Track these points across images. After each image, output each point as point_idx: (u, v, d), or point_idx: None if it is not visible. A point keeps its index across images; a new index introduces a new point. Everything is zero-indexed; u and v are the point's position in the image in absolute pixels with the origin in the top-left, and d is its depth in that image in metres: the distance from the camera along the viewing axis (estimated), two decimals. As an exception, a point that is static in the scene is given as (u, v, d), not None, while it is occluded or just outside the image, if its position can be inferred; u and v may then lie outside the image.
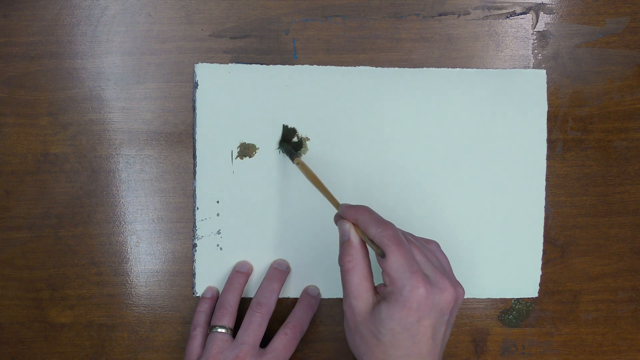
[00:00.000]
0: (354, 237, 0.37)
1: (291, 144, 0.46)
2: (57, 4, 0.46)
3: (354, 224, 0.37)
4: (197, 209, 0.47)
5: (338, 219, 0.39)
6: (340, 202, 0.40)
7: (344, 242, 0.37)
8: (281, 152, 0.46)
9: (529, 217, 0.47)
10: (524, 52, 0.47)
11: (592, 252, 0.48)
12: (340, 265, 0.37)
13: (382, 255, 0.35)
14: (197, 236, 0.47)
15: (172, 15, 0.46)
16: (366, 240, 0.36)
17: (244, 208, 0.47)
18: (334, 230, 0.47)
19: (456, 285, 0.36)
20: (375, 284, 0.37)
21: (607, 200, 0.48)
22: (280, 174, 0.47)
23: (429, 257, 0.37)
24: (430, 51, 0.47)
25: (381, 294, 0.36)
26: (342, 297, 0.47)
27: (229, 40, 0.46)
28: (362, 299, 0.36)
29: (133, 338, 0.47)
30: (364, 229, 0.37)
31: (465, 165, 0.47)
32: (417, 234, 0.47)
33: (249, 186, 0.46)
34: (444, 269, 0.37)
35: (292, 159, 0.44)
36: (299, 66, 0.46)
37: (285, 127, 0.46)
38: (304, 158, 0.46)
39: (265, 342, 0.44)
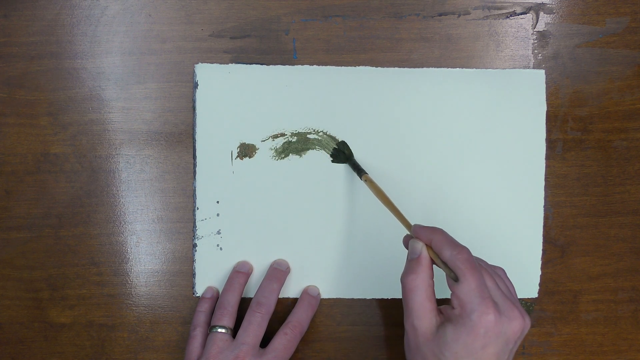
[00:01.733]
0: (425, 257, 0.37)
1: (353, 158, 0.46)
2: (57, 4, 0.46)
3: (426, 244, 0.37)
4: (197, 209, 0.47)
5: (408, 239, 0.39)
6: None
7: (413, 260, 0.37)
8: (349, 167, 0.46)
9: (528, 217, 0.48)
10: (524, 52, 0.47)
11: (592, 252, 0.48)
12: (403, 282, 0.37)
13: (455, 279, 0.35)
14: (197, 236, 0.47)
15: (172, 15, 0.46)
16: (438, 261, 0.36)
17: (244, 208, 0.47)
18: (334, 231, 0.47)
19: (524, 315, 0.36)
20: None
21: (607, 200, 0.48)
22: (280, 174, 0.47)
23: (499, 285, 0.37)
24: (430, 51, 0.47)
25: (446, 316, 0.36)
26: (341, 297, 0.47)
27: (229, 40, 0.46)
28: (425, 319, 0.36)
29: (133, 338, 0.47)
30: (438, 250, 0.36)
31: (464, 165, 0.47)
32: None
33: (249, 186, 0.46)
34: (513, 298, 0.37)
35: (360, 175, 0.44)
36: (299, 66, 0.46)
37: (341, 143, 0.46)
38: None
39: (265, 342, 0.44)
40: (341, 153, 0.46)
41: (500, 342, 0.34)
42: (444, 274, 0.36)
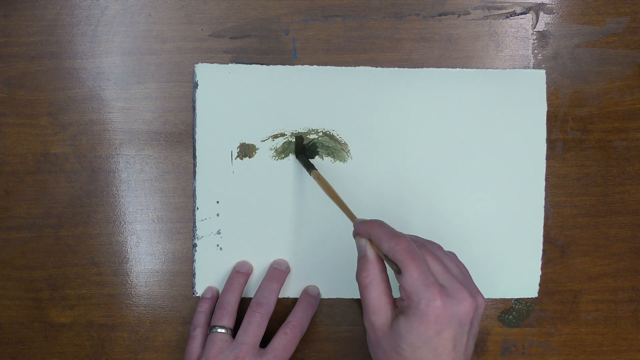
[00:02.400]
0: (370, 253, 0.37)
1: (305, 153, 0.46)
2: (57, 4, 0.46)
3: (369, 239, 0.37)
4: (197, 209, 0.47)
5: (355, 234, 0.38)
6: (351, 207, 0.39)
7: (361, 258, 0.37)
8: (298, 162, 0.46)
9: (528, 217, 0.47)
10: (524, 52, 0.47)
11: (592, 252, 0.48)
12: (357, 281, 0.37)
13: (397, 271, 0.35)
14: (197, 236, 0.47)
15: (172, 15, 0.46)
16: (382, 255, 0.36)
17: (244, 208, 0.47)
18: (334, 231, 0.47)
19: (475, 294, 0.35)
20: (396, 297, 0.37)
21: (607, 200, 0.48)
22: (280, 174, 0.46)
23: (447, 267, 0.36)
24: (430, 51, 0.47)
25: (400, 308, 0.36)
26: (341, 297, 0.47)
27: (229, 40, 0.46)
28: (381, 314, 0.36)
29: (133, 338, 0.47)
30: (377, 245, 0.36)
31: (464, 165, 0.47)
32: (415, 234, 0.47)
33: (249, 186, 0.46)
34: (463, 279, 0.36)
35: (309, 171, 0.44)
36: (299, 66, 0.46)
37: (298, 138, 0.46)
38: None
39: (265, 342, 0.44)
40: (295, 147, 0.46)
41: (453, 325, 0.34)
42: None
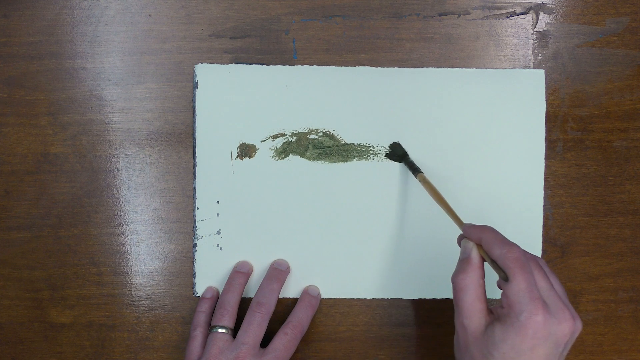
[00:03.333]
0: (475, 256, 0.37)
1: (409, 156, 0.46)
2: (57, 4, 0.46)
3: (477, 244, 0.37)
4: (197, 209, 0.47)
5: (461, 238, 0.38)
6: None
7: (463, 260, 0.37)
8: (404, 165, 0.46)
9: (528, 217, 0.47)
10: (524, 52, 0.47)
11: (592, 252, 0.48)
12: (453, 282, 0.37)
13: (505, 278, 0.35)
14: (197, 236, 0.47)
15: (172, 15, 0.46)
16: (488, 260, 0.36)
17: (244, 208, 0.47)
18: (334, 231, 0.47)
19: (575, 317, 0.35)
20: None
21: (607, 200, 0.48)
22: (280, 174, 0.47)
23: (552, 284, 0.36)
24: (430, 51, 0.47)
25: (496, 315, 0.35)
26: (341, 297, 0.47)
27: (229, 40, 0.46)
28: (475, 318, 0.36)
29: (133, 338, 0.47)
30: (487, 249, 0.36)
31: (464, 164, 0.47)
32: (415, 234, 0.47)
33: (249, 186, 0.46)
34: (565, 299, 0.36)
35: (415, 174, 0.44)
36: (299, 66, 0.46)
37: (396, 143, 0.46)
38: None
39: (265, 342, 0.44)
40: (394, 155, 0.46)
41: (549, 344, 0.34)
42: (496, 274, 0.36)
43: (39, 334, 0.47)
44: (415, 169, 0.45)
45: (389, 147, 0.46)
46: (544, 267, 0.37)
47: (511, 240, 0.36)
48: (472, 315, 0.36)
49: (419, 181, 0.44)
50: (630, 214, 0.48)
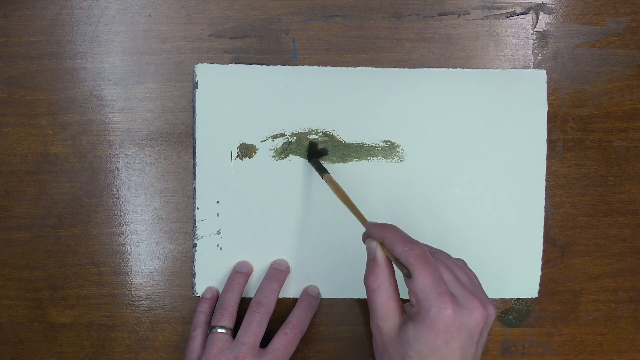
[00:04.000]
0: (380, 256, 0.36)
1: (319, 157, 0.46)
2: (57, 4, 0.46)
3: (380, 242, 0.36)
4: (197, 209, 0.47)
5: (366, 237, 0.38)
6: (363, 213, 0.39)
7: (370, 261, 0.37)
8: (311, 166, 0.46)
9: (529, 217, 0.47)
10: (524, 52, 0.47)
11: (592, 252, 0.48)
12: (365, 284, 0.36)
13: (408, 275, 0.34)
14: (197, 236, 0.47)
15: (172, 15, 0.46)
16: (392, 259, 0.36)
17: (244, 208, 0.47)
18: (334, 231, 0.47)
19: (487, 304, 0.35)
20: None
21: (607, 200, 0.48)
22: (280, 174, 0.47)
23: (457, 276, 0.36)
24: (430, 51, 0.47)
25: (408, 314, 0.35)
26: (341, 297, 0.47)
27: (229, 40, 0.46)
28: (388, 319, 0.35)
29: (133, 338, 0.47)
30: (390, 248, 0.36)
31: (464, 165, 0.47)
32: (414, 235, 0.47)
33: (249, 186, 0.46)
34: (473, 288, 0.36)
35: (322, 175, 0.44)
36: (299, 66, 0.46)
37: (311, 143, 0.46)
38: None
39: (265, 342, 0.44)
40: (308, 151, 0.46)
41: (463, 335, 0.34)
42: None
43: (39, 334, 0.47)
44: (321, 169, 0.44)
45: (308, 145, 0.46)
46: (447, 260, 0.37)
47: (414, 239, 0.36)
48: (385, 316, 0.35)
49: (325, 181, 0.43)
50: (630, 214, 0.48)
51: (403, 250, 0.35)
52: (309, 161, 0.46)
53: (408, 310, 0.35)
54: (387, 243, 0.36)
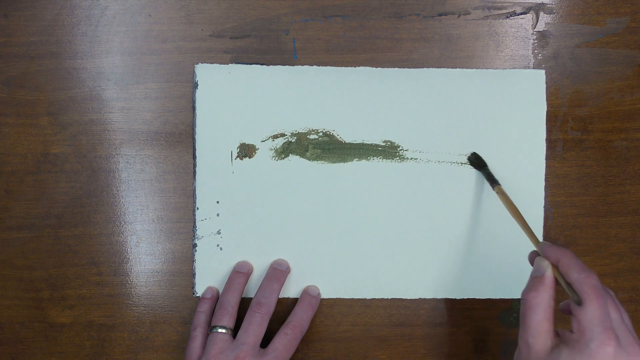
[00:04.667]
0: (549, 276, 0.37)
1: (487, 167, 0.46)
2: (57, 4, 0.46)
3: (552, 264, 0.37)
4: (197, 209, 0.47)
5: (534, 256, 0.38)
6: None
7: (535, 278, 0.37)
8: (482, 176, 0.46)
9: (528, 217, 0.47)
10: (524, 52, 0.47)
11: (592, 252, 0.48)
12: (523, 298, 0.37)
13: (579, 303, 0.35)
14: (197, 236, 0.47)
15: (172, 15, 0.46)
16: (563, 283, 0.36)
17: (244, 208, 0.47)
18: (334, 231, 0.47)
19: None
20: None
21: (607, 200, 0.48)
22: (280, 174, 0.47)
23: (622, 317, 0.36)
24: (430, 51, 0.47)
25: (563, 339, 0.35)
26: (341, 297, 0.47)
27: (229, 40, 0.46)
28: (540, 338, 0.36)
29: (133, 338, 0.47)
30: (565, 272, 0.36)
31: (464, 164, 0.47)
32: (415, 234, 0.47)
33: (249, 186, 0.46)
34: (634, 334, 0.36)
35: (493, 186, 0.44)
36: (299, 66, 0.46)
37: (475, 154, 0.46)
38: None
39: (265, 342, 0.44)
40: (474, 163, 0.46)
41: None
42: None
43: (39, 334, 0.47)
44: (493, 181, 0.45)
45: (468, 157, 0.47)
46: (615, 299, 0.37)
47: (590, 269, 0.36)
48: (538, 335, 0.36)
49: (496, 193, 0.44)
50: (630, 214, 0.48)
51: (579, 276, 0.35)
52: (480, 170, 0.46)
53: (564, 335, 0.35)
54: (562, 266, 0.36)
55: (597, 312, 0.34)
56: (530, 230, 0.41)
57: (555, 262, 0.37)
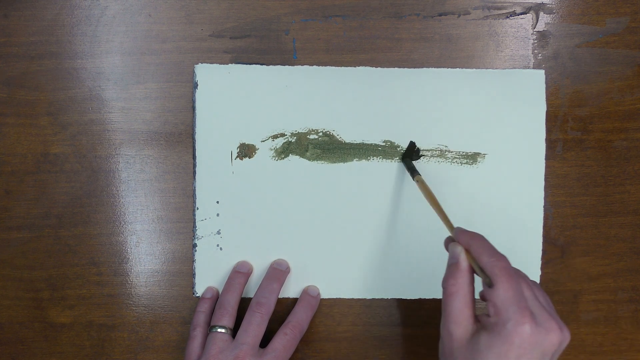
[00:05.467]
0: (463, 262, 0.37)
1: (412, 159, 0.46)
2: (57, 4, 0.46)
3: (465, 249, 0.37)
4: (197, 209, 0.47)
5: (449, 242, 0.38)
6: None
7: (452, 265, 0.37)
8: (404, 165, 0.46)
9: (528, 217, 0.47)
10: (524, 52, 0.47)
11: (592, 252, 0.48)
12: (443, 287, 0.37)
13: (489, 284, 0.35)
14: (197, 236, 0.47)
15: (172, 15, 0.46)
16: (475, 267, 0.36)
17: (244, 208, 0.47)
18: (334, 231, 0.47)
19: (563, 328, 0.35)
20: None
21: (607, 200, 0.48)
22: (280, 174, 0.47)
23: (536, 295, 0.36)
24: (430, 51, 0.47)
25: (482, 323, 0.35)
26: (341, 297, 0.47)
27: (229, 40, 0.46)
28: (461, 325, 0.36)
29: (133, 338, 0.47)
30: (476, 256, 0.36)
31: (464, 164, 0.47)
32: (415, 234, 0.47)
33: (249, 186, 0.46)
34: (551, 310, 0.36)
35: (413, 176, 0.44)
36: (299, 66, 0.46)
37: (411, 142, 0.46)
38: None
39: (265, 342, 0.44)
40: (406, 152, 0.46)
41: (535, 354, 0.34)
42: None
43: (39, 334, 0.47)
44: (413, 171, 0.45)
45: (408, 145, 0.47)
46: (527, 279, 0.38)
47: (501, 253, 0.36)
48: (459, 322, 0.36)
49: (416, 182, 0.44)
50: (630, 214, 0.48)
51: (490, 260, 0.35)
52: (402, 160, 0.46)
53: (483, 320, 0.35)
54: (473, 250, 0.36)
55: (509, 292, 0.34)
56: (447, 217, 0.40)
57: (467, 246, 0.37)
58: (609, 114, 0.48)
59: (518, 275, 0.36)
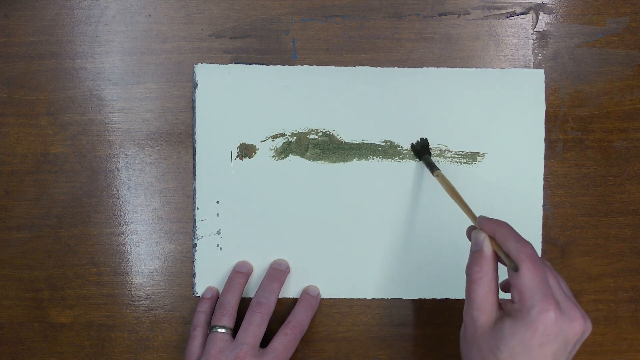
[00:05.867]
0: (487, 248, 0.36)
1: (430, 154, 0.46)
2: (57, 4, 0.46)
3: (489, 236, 0.37)
4: (197, 209, 0.47)
5: (471, 229, 0.38)
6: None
7: (475, 252, 0.37)
8: (422, 163, 0.46)
9: (528, 217, 0.47)
10: (524, 52, 0.47)
11: (592, 252, 0.48)
12: (467, 274, 0.37)
13: (515, 269, 0.34)
14: (197, 236, 0.47)
15: (172, 15, 0.46)
16: (500, 253, 0.36)
17: (244, 208, 0.47)
18: (334, 230, 0.47)
19: (586, 317, 0.35)
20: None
21: (607, 200, 0.48)
22: (280, 174, 0.47)
23: (560, 284, 0.36)
24: (430, 51, 0.47)
25: (506, 310, 0.35)
26: (341, 297, 0.47)
27: (229, 40, 0.46)
28: (485, 311, 0.35)
29: (133, 338, 0.47)
30: (502, 242, 0.36)
31: (464, 164, 0.47)
32: (415, 234, 0.47)
33: (249, 186, 0.46)
34: (574, 299, 0.36)
35: (433, 171, 0.44)
36: (299, 66, 0.46)
37: (423, 139, 0.46)
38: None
39: (265, 342, 0.44)
40: (417, 150, 0.46)
41: (559, 341, 0.34)
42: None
43: (39, 334, 0.47)
44: (433, 166, 0.45)
45: (417, 141, 0.47)
46: (551, 268, 0.37)
47: (526, 240, 0.36)
48: (483, 308, 0.36)
49: (436, 177, 0.44)
50: (630, 214, 0.48)
51: (516, 245, 0.35)
52: (420, 158, 0.46)
53: (507, 306, 0.35)
54: (498, 237, 0.36)
55: (535, 279, 0.34)
56: (468, 207, 0.40)
57: (492, 234, 0.37)
58: (609, 114, 0.48)
59: (543, 264, 0.36)
